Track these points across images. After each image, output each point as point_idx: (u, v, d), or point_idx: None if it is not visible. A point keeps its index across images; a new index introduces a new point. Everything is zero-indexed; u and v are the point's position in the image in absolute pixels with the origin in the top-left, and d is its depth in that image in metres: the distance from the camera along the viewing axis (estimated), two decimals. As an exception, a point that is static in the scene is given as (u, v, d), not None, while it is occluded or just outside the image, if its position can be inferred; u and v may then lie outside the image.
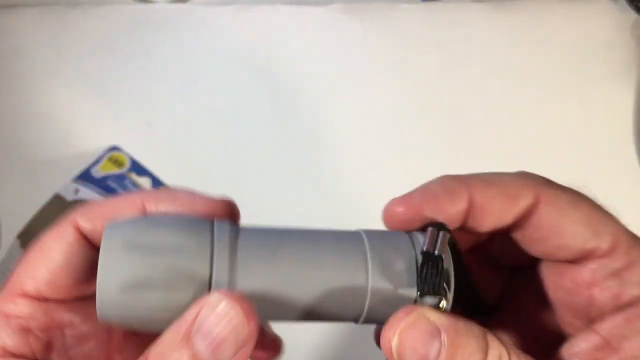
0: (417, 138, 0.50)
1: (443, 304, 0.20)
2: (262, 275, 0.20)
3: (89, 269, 0.22)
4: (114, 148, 0.48)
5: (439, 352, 0.18)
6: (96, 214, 0.22)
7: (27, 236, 0.44)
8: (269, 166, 0.49)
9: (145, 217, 0.21)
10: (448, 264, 0.20)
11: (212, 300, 0.18)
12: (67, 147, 0.49)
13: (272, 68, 0.52)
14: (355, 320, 0.21)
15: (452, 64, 0.52)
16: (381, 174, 0.49)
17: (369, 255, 0.20)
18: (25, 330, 0.21)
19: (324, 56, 0.52)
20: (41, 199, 0.46)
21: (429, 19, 0.53)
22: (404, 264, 0.20)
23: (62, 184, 0.46)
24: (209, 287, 0.19)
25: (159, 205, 0.22)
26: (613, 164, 0.50)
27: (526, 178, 0.23)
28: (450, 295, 0.20)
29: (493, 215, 0.21)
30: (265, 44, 0.52)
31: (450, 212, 0.21)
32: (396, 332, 0.19)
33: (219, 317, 0.18)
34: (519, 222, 0.22)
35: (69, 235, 0.23)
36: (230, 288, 0.19)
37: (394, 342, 0.19)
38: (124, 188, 0.47)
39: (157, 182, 0.48)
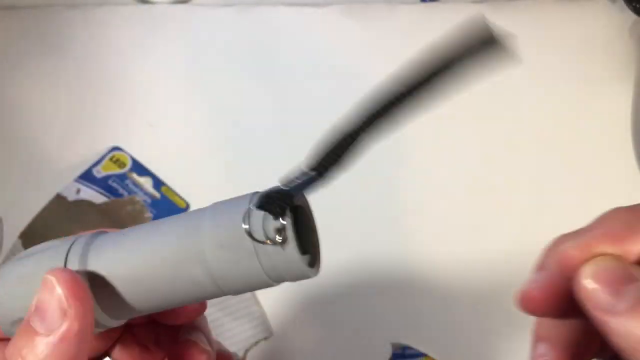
0: (415, 138, 0.51)
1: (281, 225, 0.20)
2: (110, 258, 0.22)
3: None
4: (116, 148, 0.49)
5: (635, 292, 0.17)
6: None
7: (29, 236, 0.45)
8: (269, 166, 0.50)
9: None
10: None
11: (44, 279, 0.21)
12: (68, 147, 0.49)
13: (272, 68, 0.52)
14: (216, 287, 0.21)
15: (451, 65, 0.52)
16: (379, 173, 0.50)
17: (207, 212, 0.22)
18: None
19: (324, 57, 0.52)
20: (43, 198, 0.46)
21: (428, 20, 0.53)
22: (237, 211, 0.21)
23: (64, 183, 0.47)
24: None
25: None
26: (611, 164, 0.50)
27: None
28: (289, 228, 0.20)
29: None
30: (266, 45, 0.52)
31: (635, 254, 0.19)
32: (591, 265, 0.19)
33: (46, 289, 0.20)
34: None
35: None
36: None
37: (588, 275, 0.18)
38: (125, 188, 0.47)
39: (157, 182, 0.48)
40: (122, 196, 0.47)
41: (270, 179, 0.51)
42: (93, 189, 0.47)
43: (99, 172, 0.47)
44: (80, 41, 0.52)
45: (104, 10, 0.53)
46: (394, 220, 0.47)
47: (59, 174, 0.48)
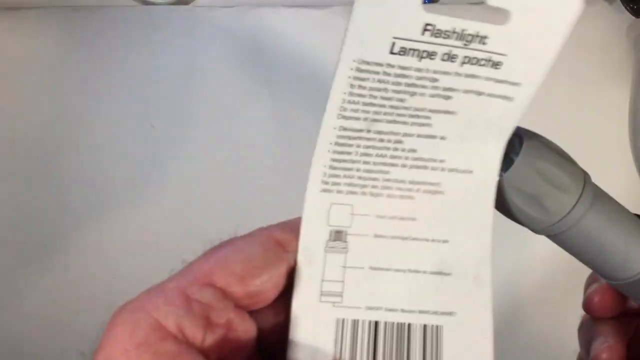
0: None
1: None
2: (604, 217, 0.25)
3: (283, 282, 0.22)
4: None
5: None
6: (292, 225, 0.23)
7: None
8: (270, 167, 0.50)
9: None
10: None
11: None
12: (69, 148, 0.49)
13: (273, 69, 0.52)
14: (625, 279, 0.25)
15: (450, 66, 0.52)
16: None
17: None
18: (206, 319, 0.20)
19: (324, 58, 0.52)
20: (44, 198, 0.46)
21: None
22: None
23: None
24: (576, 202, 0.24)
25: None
26: (609, 165, 0.51)
27: None
28: None
29: None
30: (267, 46, 0.53)
31: None
32: None
33: None
34: None
35: (266, 241, 0.22)
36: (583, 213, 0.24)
37: None
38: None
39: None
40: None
41: (269, 179, 0.51)
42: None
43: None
44: (81, 42, 0.52)
45: (104, 11, 0.53)
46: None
47: (59, 176, 0.49)
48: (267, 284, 0.21)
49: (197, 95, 0.51)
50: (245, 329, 0.21)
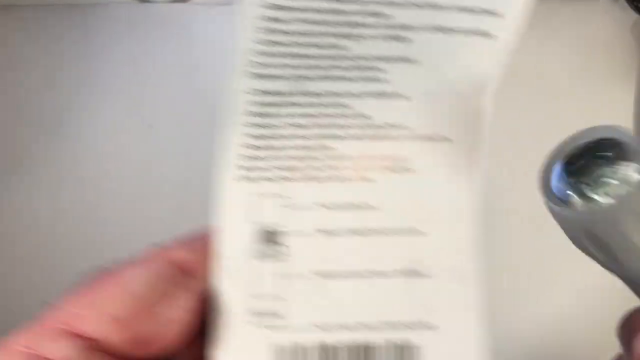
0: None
1: None
2: None
3: (191, 316, 0.16)
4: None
5: None
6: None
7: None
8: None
9: None
10: None
11: None
12: (66, 147, 0.49)
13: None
14: None
15: (452, 64, 0.52)
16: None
17: None
18: None
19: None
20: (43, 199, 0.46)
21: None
22: None
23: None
24: None
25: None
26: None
27: None
28: None
29: None
30: (266, 44, 0.52)
31: None
32: None
33: None
34: None
35: (163, 267, 0.17)
36: None
37: None
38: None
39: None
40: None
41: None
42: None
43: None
44: (79, 41, 0.52)
45: (102, 9, 0.53)
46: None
47: (56, 175, 0.48)
48: (165, 327, 0.16)
49: (195, 95, 0.51)
50: None
